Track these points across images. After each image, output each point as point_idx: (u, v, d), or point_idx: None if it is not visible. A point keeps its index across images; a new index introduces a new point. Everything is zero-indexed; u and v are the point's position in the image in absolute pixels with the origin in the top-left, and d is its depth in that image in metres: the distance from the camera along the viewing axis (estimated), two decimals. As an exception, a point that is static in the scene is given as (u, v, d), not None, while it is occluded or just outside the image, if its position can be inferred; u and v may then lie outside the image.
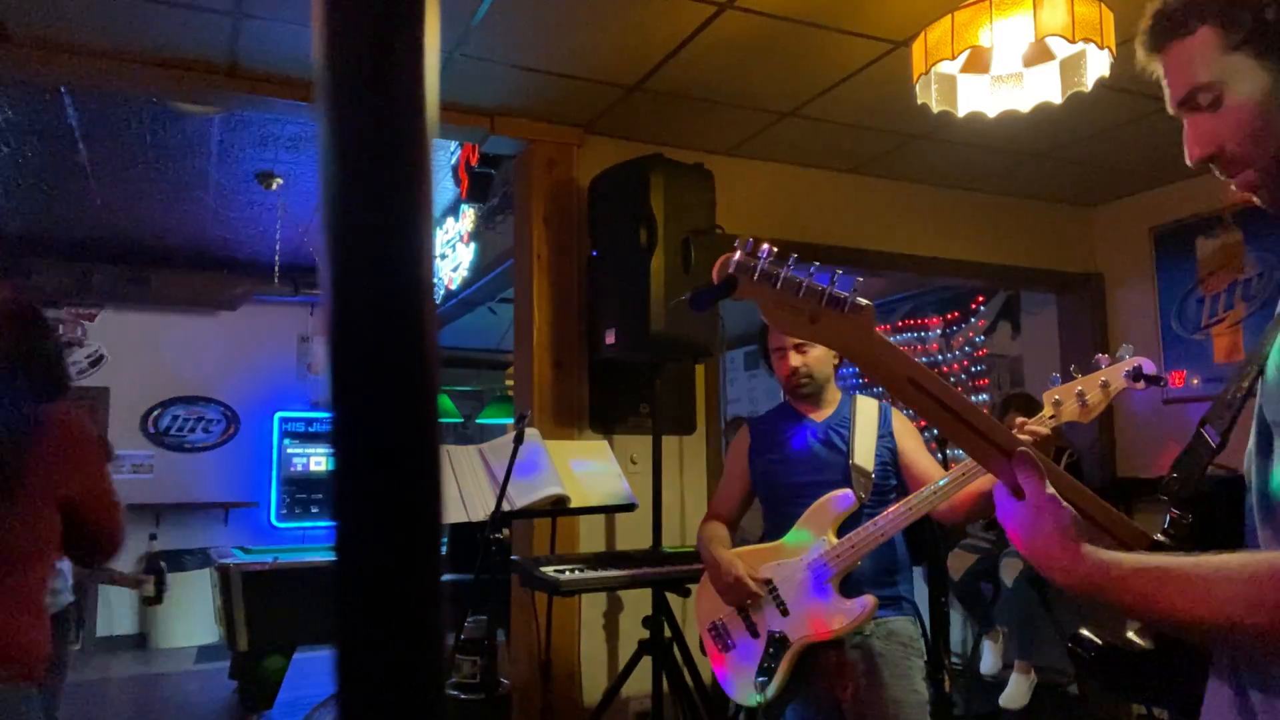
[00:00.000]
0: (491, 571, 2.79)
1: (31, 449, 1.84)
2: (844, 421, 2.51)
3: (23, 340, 1.95)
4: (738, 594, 2.38)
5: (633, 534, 3.52)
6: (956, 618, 4.91)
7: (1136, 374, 1.79)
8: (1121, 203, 4.72)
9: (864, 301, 1.00)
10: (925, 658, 2.44)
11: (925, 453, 2.52)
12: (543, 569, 2.78)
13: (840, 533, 2.34)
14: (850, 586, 2.32)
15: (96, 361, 7.19)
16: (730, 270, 1.01)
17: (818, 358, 2.51)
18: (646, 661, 2.95)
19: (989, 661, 4.54)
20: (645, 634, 2.97)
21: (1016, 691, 4.17)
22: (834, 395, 2.57)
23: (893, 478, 2.48)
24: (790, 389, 2.54)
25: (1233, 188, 0.99)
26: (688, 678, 2.96)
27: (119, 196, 5.31)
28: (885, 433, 2.49)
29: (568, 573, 2.76)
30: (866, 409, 2.52)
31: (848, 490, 2.38)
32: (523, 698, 3.34)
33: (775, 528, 2.51)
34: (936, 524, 2.92)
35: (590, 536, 3.58)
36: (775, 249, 1.02)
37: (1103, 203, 4.80)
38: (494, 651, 2.79)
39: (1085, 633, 1.06)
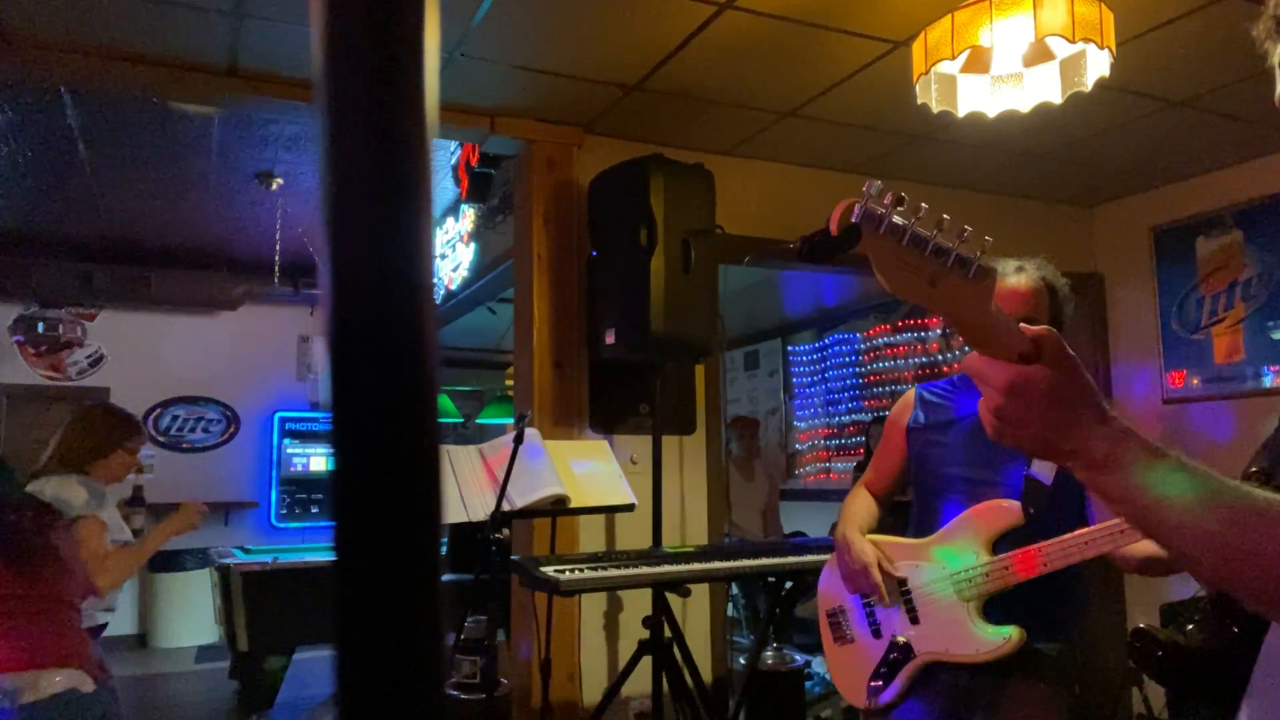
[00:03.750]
0: (491, 571, 2.79)
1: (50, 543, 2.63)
2: None
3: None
4: (863, 583, 2.13)
5: (633, 534, 3.52)
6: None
7: None
8: (1121, 203, 4.72)
9: (989, 266, 0.86)
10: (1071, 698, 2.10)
11: None
12: (543, 569, 2.77)
13: (996, 549, 2.01)
14: (997, 605, 2.01)
15: (96, 361, 7.19)
16: (854, 219, 0.83)
17: None
18: (646, 661, 2.95)
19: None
20: (645, 634, 2.97)
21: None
22: None
23: (1072, 498, 2.02)
24: None
25: None
26: (688, 678, 2.96)
27: (119, 196, 5.30)
28: None
29: (568, 573, 2.76)
30: None
31: (1014, 502, 2.01)
32: (523, 698, 3.34)
33: (921, 520, 2.23)
34: None
35: (590, 536, 3.58)
36: (903, 195, 0.87)
37: (1103, 203, 4.80)
38: (494, 651, 2.79)
39: (1146, 628, 0.97)
